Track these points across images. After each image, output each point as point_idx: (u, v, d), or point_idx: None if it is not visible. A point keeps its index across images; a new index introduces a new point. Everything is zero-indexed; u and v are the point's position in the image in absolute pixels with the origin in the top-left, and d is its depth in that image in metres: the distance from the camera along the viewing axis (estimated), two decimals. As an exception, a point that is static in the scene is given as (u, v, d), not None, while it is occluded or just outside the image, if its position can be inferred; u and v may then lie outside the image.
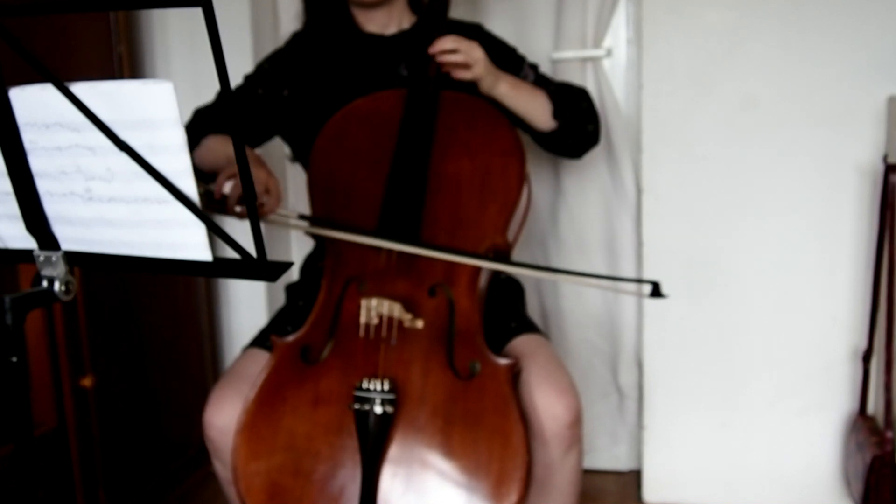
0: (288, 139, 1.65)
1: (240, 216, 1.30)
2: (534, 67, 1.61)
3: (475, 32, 1.60)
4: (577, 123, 1.53)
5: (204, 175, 1.44)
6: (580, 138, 1.55)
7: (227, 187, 1.30)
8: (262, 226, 0.82)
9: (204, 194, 1.31)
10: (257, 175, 1.32)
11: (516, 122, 1.51)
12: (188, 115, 1.60)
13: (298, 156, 1.64)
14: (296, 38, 1.63)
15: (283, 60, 1.61)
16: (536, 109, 1.49)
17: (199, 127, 1.56)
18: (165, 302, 2.06)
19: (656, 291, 1.36)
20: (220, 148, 1.50)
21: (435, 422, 1.23)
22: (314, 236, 1.50)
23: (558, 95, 1.52)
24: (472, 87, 1.53)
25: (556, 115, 1.50)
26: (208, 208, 1.33)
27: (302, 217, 1.47)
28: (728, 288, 1.99)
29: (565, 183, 2.13)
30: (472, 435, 1.22)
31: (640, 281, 1.40)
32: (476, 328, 1.32)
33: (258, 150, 1.62)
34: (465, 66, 1.42)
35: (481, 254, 1.37)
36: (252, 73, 1.62)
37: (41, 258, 0.88)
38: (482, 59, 1.43)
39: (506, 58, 1.57)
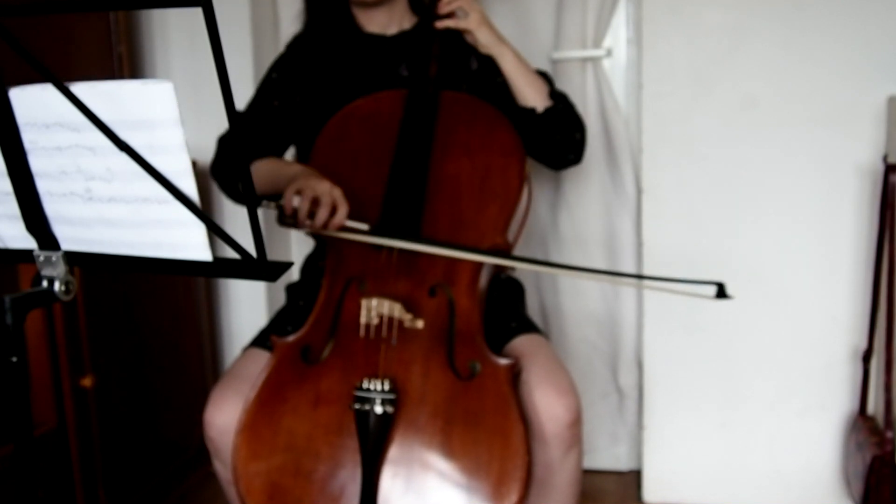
0: (293, 141, 1.64)
1: (311, 229, 1.31)
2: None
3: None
4: (569, 115, 1.52)
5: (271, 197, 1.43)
6: (569, 135, 1.52)
7: (296, 201, 1.29)
8: (263, 226, 0.82)
9: (277, 209, 1.32)
10: (322, 186, 1.29)
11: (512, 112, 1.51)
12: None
13: (301, 157, 1.64)
14: (296, 41, 1.63)
15: (291, 67, 1.60)
16: (534, 84, 1.50)
17: (230, 156, 1.53)
18: (165, 302, 2.06)
19: (721, 293, 1.33)
20: (272, 169, 1.49)
21: (435, 422, 1.23)
22: (315, 236, 1.50)
23: (553, 88, 1.54)
24: (472, 87, 1.53)
25: (553, 95, 1.51)
26: (283, 224, 1.33)
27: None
28: (728, 288, 1.99)
29: (565, 183, 2.13)
30: (472, 435, 1.22)
31: (702, 282, 1.37)
32: (476, 328, 1.32)
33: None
34: (464, 14, 1.51)
35: (486, 251, 1.37)
36: (263, 86, 1.60)
37: (41, 258, 0.88)
38: (479, 11, 1.51)
39: None
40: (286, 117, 1.57)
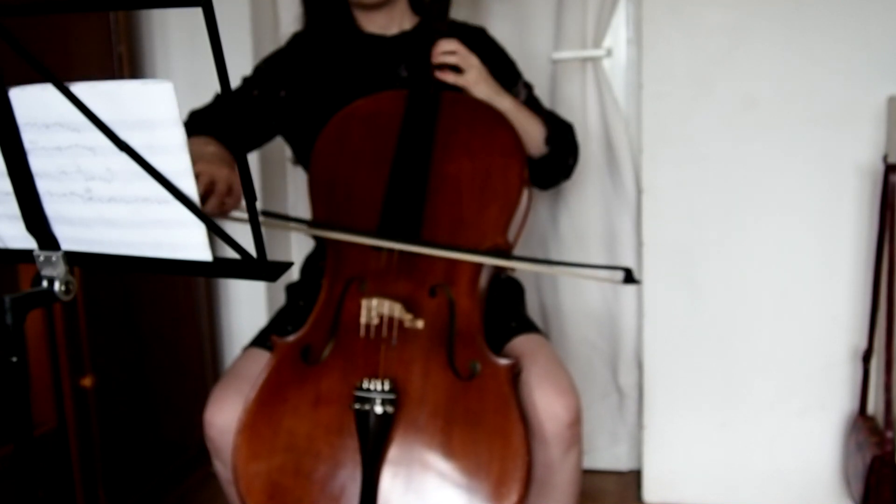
0: (289, 141, 1.65)
1: (211, 214, 1.31)
2: (528, 87, 1.62)
3: (478, 36, 1.60)
4: (563, 154, 1.56)
5: None
6: (560, 169, 1.59)
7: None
8: (263, 226, 0.82)
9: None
10: (220, 172, 1.30)
11: None
12: (186, 115, 1.60)
13: (300, 158, 1.64)
14: (296, 38, 1.63)
15: (281, 61, 1.60)
16: (532, 133, 1.51)
17: (195, 129, 1.55)
18: (165, 302, 2.06)
19: (629, 278, 1.36)
20: (193, 147, 1.49)
21: (435, 422, 1.23)
22: (315, 236, 1.50)
23: (552, 124, 1.55)
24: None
25: (549, 141, 1.53)
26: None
27: (302, 221, 1.47)
28: (728, 288, 1.99)
29: (565, 183, 2.13)
30: (472, 435, 1.22)
31: (612, 268, 1.41)
32: (476, 328, 1.32)
33: (255, 152, 1.61)
34: (459, 70, 1.48)
35: (486, 252, 1.37)
36: (249, 76, 1.62)
37: (41, 258, 0.88)
38: (477, 68, 1.48)
39: (503, 69, 1.58)
40: (263, 109, 1.58)
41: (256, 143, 1.63)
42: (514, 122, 1.48)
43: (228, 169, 1.33)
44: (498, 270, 1.48)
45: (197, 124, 1.55)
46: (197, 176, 1.27)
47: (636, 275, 1.37)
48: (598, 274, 1.48)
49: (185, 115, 1.59)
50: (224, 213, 1.33)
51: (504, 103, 1.49)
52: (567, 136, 1.57)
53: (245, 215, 1.32)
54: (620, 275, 1.36)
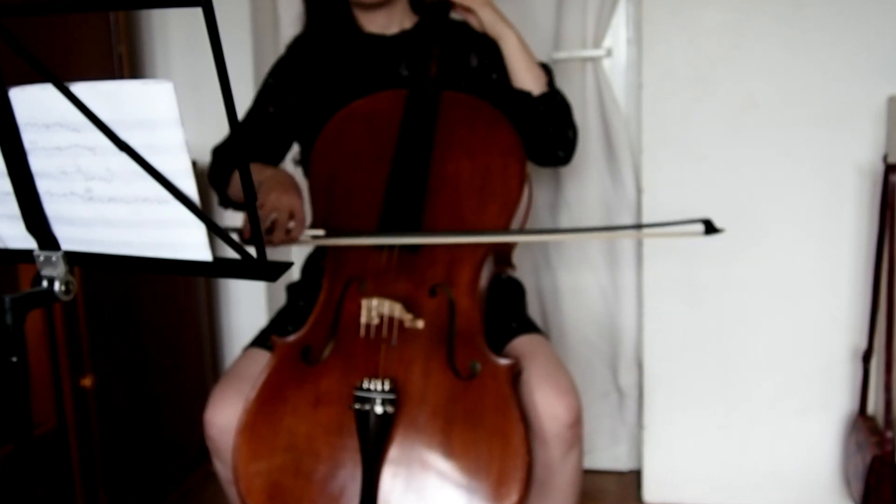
0: (295, 143, 1.65)
1: (269, 245, 1.29)
2: None
3: (475, 33, 1.60)
4: (564, 110, 1.54)
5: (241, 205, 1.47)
6: (561, 129, 1.52)
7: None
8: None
9: (238, 233, 1.30)
10: (280, 200, 1.29)
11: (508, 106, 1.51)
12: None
13: (302, 156, 1.64)
14: (296, 43, 1.63)
15: (288, 71, 1.60)
16: (533, 70, 1.52)
17: (223, 164, 1.55)
18: (165, 302, 2.06)
19: (710, 228, 1.30)
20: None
21: (435, 422, 1.23)
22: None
23: (552, 80, 1.55)
24: (471, 85, 1.53)
25: (550, 85, 1.53)
26: (247, 244, 1.33)
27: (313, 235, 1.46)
28: (728, 288, 1.99)
29: (565, 183, 2.13)
30: (472, 435, 1.22)
31: (688, 222, 1.35)
32: (477, 328, 1.32)
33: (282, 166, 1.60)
34: None
35: (486, 250, 1.37)
36: (260, 93, 1.60)
37: (41, 258, 0.88)
38: None
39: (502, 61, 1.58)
40: (282, 123, 1.58)
41: (281, 157, 1.63)
42: (520, 52, 1.52)
43: (287, 195, 1.31)
44: (498, 270, 1.48)
45: (228, 159, 1.54)
46: (260, 207, 1.27)
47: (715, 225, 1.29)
48: (675, 230, 1.39)
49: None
50: (293, 241, 1.31)
51: (510, 33, 1.53)
52: (565, 98, 1.55)
53: (311, 235, 1.32)
54: (700, 227, 1.29)
